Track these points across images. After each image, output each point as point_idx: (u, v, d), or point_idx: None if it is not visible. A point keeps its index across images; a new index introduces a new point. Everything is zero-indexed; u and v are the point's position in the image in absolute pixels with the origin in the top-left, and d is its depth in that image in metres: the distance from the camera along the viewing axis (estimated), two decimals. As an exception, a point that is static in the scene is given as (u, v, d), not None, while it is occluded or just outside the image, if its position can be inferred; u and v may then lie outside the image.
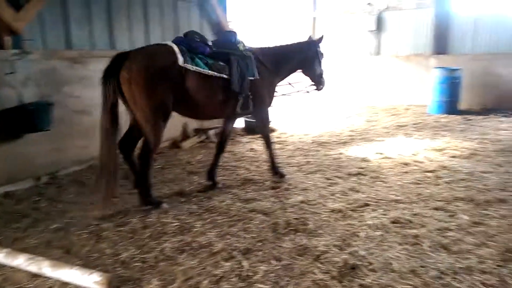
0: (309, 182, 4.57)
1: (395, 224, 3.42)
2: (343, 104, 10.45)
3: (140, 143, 3.86)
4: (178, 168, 5.25)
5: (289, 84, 5.26)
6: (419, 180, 4.54)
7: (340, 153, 5.81)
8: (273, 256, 2.94)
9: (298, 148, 6.26)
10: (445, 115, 8.35)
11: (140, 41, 6.12)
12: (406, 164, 5.15)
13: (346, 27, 10.83)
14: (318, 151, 6.00)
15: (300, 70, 4.91)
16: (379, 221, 3.46)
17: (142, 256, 3.00)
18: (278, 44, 4.74)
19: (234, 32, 4.44)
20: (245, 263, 2.83)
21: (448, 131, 7.01)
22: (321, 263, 2.83)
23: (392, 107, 9.38)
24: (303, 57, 4.75)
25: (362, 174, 4.80)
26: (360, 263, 2.79)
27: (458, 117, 8.20)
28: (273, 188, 4.42)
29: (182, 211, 3.80)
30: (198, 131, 6.90)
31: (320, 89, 5.05)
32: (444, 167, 4.96)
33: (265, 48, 4.64)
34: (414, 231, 3.27)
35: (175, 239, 3.23)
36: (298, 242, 3.13)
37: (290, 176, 4.79)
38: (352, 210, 3.73)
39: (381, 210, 3.72)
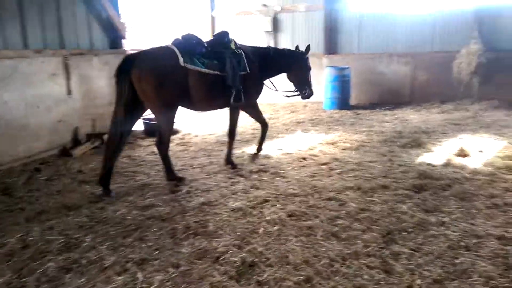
0: (212, 183, 4.53)
1: (291, 217, 3.55)
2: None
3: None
4: (67, 178, 4.79)
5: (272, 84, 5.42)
6: (314, 173, 4.80)
7: (243, 152, 5.88)
8: (171, 263, 2.84)
9: (202, 148, 6.19)
10: (338, 111, 9.00)
11: (15, 41, 5.42)
12: (303, 158, 5.41)
13: (245, 28, 11.03)
14: (222, 150, 5.98)
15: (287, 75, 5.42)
16: (277, 216, 3.56)
17: (21, 280, 2.66)
18: (269, 46, 5.34)
19: (227, 33, 4.83)
20: (139, 275, 2.68)
21: (340, 125, 7.56)
22: (220, 264, 2.80)
23: (291, 105, 9.81)
24: (289, 63, 5.25)
25: (263, 171, 4.91)
26: (257, 259, 2.83)
27: (349, 112, 8.90)
28: (173, 192, 4.28)
29: (70, 225, 3.47)
30: (90, 137, 6.39)
31: (304, 97, 5.41)
32: (336, 159, 5.31)
33: (256, 47, 5.20)
34: (309, 222, 3.43)
35: (60, 257, 2.93)
36: (197, 246, 3.06)
37: (193, 178, 4.70)
38: (252, 208, 3.78)
39: (279, 205, 3.83)
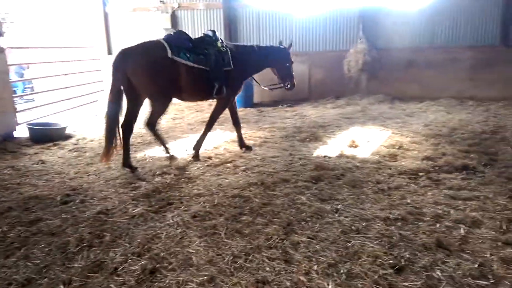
0: (110, 190, 4.25)
1: (196, 218, 3.49)
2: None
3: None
4: None
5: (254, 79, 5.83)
6: (219, 172, 4.80)
7: (145, 154, 5.63)
8: (62, 280, 2.59)
9: (99, 153, 5.75)
10: (242, 109, 9.14)
11: None
12: (208, 157, 5.37)
13: (142, 25, 10.61)
14: (121, 154, 5.65)
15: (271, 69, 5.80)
16: (180, 219, 3.47)
17: None
18: (253, 44, 5.64)
19: (214, 32, 5.20)
20: (23, 298, 2.39)
21: (245, 123, 7.68)
22: (118, 275, 2.64)
23: (196, 104, 9.70)
24: (274, 58, 5.62)
25: (167, 173, 4.75)
26: (159, 265, 2.72)
27: (253, 110, 9.12)
28: (65, 203, 3.91)
29: None
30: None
31: (289, 89, 5.87)
32: (241, 157, 5.39)
33: (241, 45, 5.66)
34: (213, 221, 3.41)
35: None
36: (92, 259, 2.84)
37: (89, 186, 4.36)
38: (154, 212, 3.63)
39: (183, 207, 3.75)
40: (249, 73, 5.61)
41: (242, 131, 5.97)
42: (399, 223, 3.26)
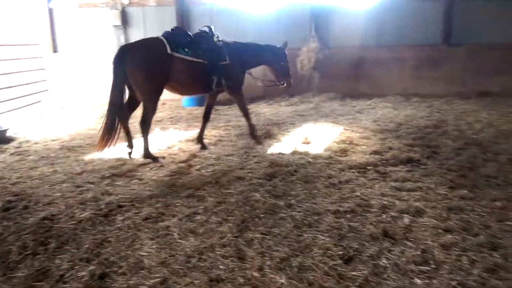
0: (56, 194, 4.05)
1: (148, 220, 3.41)
2: (91, 103, 9.80)
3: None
4: None
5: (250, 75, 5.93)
6: (173, 172, 4.72)
7: (93, 156, 5.42)
8: (2, 292, 2.43)
9: (43, 157, 5.48)
10: (197, 108, 9.07)
11: None
12: (162, 157, 5.27)
13: (89, 21, 10.20)
14: (68, 157, 5.42)
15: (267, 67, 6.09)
16: (131, 221, 3.38)
17: None
18: (250, 42, 6.17)
19: (210, 28, 5.46)
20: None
21: (200, 121, 7.60)
22: (65, 282, 2.53)
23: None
24: (268, 56, 5.88)
25: (117, 175, 4.61)
26: (109, 270, 2.64)
27: (208, 108, 9.04)
28: (6, 209, 3.68)
29: None
30: None
31: (284, 86, 6.06)
32: (196, 156, 5.34)
33: (237, 42, 5.85)
34: (166, 223, 3.35)
35: None
36: (37, 267, 2.69)
37: (33, 191, 4.13)
38: (103, 216, 3.50)
39: (135, 209, 3.65)
40: (245, 67, 5.80)
41: (197, 130, 5.94)
42: (348, 215, 3.37)
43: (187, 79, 5.19)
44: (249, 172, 4.59)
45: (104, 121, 4.93)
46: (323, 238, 2.99)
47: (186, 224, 3.32)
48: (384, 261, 2.66)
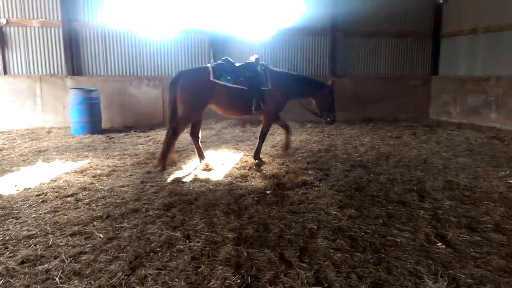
0: None
1: (24, 265, 2.97)
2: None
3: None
4: None
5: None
6: (57, 208, 4.23)
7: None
8: None
9: None
10: (89, 135, 8.45)
11: None
12: (44, 192, 4.71)
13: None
14: None
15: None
16: (3, 267, 2.90)
17: None
18: (295, 73, 7.41)
19: (257, 58, 6.14)
20: None
21: (91, 151, 7.08)
22: None
23: (32, 132, 8.55)
24: (314, 90, 6.40)
25: (-14, 214, 3.97)
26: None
27: (101, 136, 8.48)
28: None
29: None
30: None
31: (327, 122, 6.49)
32: (85, 188, 4.89)
33: (284, 71, 6.78)
34: (46, 265, 2.95)
35: None
36: None
37: None
38: (-35, 264, 2.95)
39: (8, 253, 3.16)
40: (289, 96, 6.29)
41: (87, 160, 5.47)
42: (247, 242, 3.36)
43: (228, 102, 5.92)
44: (145, 204, 4.34)
45: (165, 138, 5.81)
46: (221, 268, 2.91)
47: (70, 265, 2.96)
48: (280, 285, 2.68)
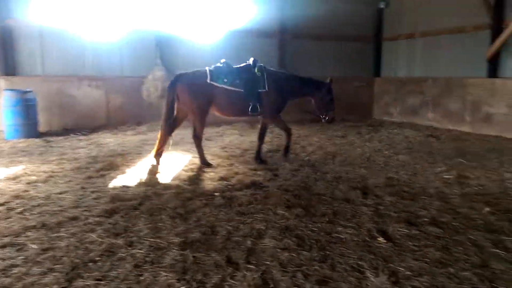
0: None
1: None
2: None
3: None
4: None
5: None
6: (-16, 218, 3.88)
7: None
8: None
9: None
10: (24, 139, 7.87)
11: None
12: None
13: None
14: None
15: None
16: None
17: None
18: (295, 74, 6.78)
19: (255, 60, 6.18)
20: None
21: (26, 156, 6.60)
22: None
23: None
24: (311, 88, 6.39)
25: None
26: None
27: (38, 140, 7.93)
28: None
29: None
30: None
31: (326, 121, 6.45)
32: (18, 197, 4.53)
33: (281, 72, 6.75)
34: (-31, 284, 2.68)
35: None
36: None
37: None
38: None
39: None
40: (287, 97, 6.29)
41: (21, 166, 5.08)
42: (194, 246, 3.28)
43: (225, 104, 6.01)
44: (85, 211, 4.10)
45: (160, 133, 6.04)
46: (165, 274, 2.81)
47: (0, 280, 2.72)
48: (227, 288, 2.64)
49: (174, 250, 3.19)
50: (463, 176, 5.55)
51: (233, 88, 5.96)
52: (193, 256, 3.08)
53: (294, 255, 3.12)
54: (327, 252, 3.19)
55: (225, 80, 5.94)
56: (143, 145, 7.65)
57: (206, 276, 2.79)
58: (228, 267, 2.93)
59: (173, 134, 6.28)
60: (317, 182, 5.22)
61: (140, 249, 3.21)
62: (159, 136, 6.05)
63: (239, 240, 3.40)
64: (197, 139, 6.08)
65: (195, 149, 7.29)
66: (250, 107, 6.01)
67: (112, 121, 9.69)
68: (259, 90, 6.05)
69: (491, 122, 9.27)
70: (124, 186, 4.99)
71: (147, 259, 3.05)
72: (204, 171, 5.73)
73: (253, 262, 3.01)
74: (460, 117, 10.07)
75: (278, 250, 3.22)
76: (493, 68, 9.40)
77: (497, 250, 3.23)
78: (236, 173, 5.61)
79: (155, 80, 9.64)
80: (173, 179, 5.34)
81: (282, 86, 6.23)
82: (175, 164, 6.18)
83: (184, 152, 7.06)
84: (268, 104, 6.14)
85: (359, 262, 3.01)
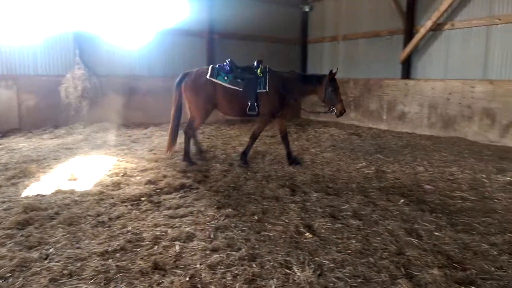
0: None
1: None
2: None
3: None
4: None
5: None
6: None
7: None
8: None
9: None
10: None
11: None
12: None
13: None
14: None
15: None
16: None
17: None
18: (295, 72, 6.67)
19: (259, 61, 6.24)
20: None
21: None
22: None
23: None
24: (314, 84, 6.11)
25: None
26: None
27: None
28: None
29: None
30: None
31: (335, 114, 6.01)
32: None
33: (284, 72, 6.41)
34: None
35: None
36: None
37: None
38: None
39: None
40: (288, 97, 6.09)
41: None
42: (117, 255, 3.11)
43: (225, 102, 6.07)
44: (-7, 223, 3.70)
45: (169, 128, 6.39)
46: (86, 286, 2.63)
47: None
48: (154, 296, 2.54)
49: (95, 261, 3.00)
50: (381, 171, 5.96)
51: (232, 87, 6.00)
52: (117, 265, 2.92)
53: (223, 256, 3.10)
54: (256, 251, 3.22)
55: (226, 78, 6.01)
56: (60, 149, 7.09)
57: (131, 286, 2.66)
58: (155, 273, 2.82)
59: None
60: (247, 182, 5.25)
61: (57, 262, 2.97)
62: (169, 131, 6.40)
63: (167, 245, 3.30)
64: (194, 129, 6.36)
65: (119, 152, 7.01)
66: (248, 107, 6.02)
67: (26, 124, 8.87)
68: (259, 91, 6.00)
69: (404, 120, 10.09)
70: (38, 195, 4.59)
71: (65, 271, 2.83)
72: (129, 175, 5.47)
73: (181, 266, 2.94)
74: (378, 115, 10.82)
75: (208, 252, 3.18)
76: (406, 69, 10.25)
77: (411, 238, 3.51)
78: (165, 176, 5.44)
79: (74, 79, 9.01)
80: (95, 185, 5.03)
81: (283, 87, 6.08)
82: (97, 168, 5.83)
83: (107, 156, 6.69)
84: (266, 105, 6.04)
85: (287, 258, 3.08)
